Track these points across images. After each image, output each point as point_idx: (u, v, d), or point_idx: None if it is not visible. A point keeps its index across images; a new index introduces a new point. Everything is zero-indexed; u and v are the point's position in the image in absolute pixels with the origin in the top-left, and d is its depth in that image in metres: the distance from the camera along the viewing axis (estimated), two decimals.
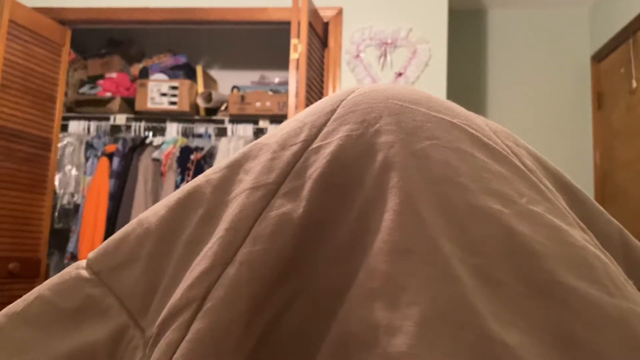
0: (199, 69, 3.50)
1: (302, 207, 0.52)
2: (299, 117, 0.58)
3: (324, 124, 0.56)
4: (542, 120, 3.31)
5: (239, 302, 0.50)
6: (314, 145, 0.54)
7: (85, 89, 3.49)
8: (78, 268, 0.62)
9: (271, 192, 0.53)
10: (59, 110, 2.89)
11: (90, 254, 0.60)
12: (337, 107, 0.57)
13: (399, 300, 0.45)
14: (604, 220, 0.58)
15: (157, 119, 3.45)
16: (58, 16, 2.91)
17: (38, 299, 0.60)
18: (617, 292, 0.47)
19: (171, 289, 0.53)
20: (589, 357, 0.44)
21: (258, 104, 3.29)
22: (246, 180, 0.55)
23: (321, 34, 2.80)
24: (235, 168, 0.57)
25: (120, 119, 3.44)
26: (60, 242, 3.31)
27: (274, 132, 0.57)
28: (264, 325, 0.51)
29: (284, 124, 0.59)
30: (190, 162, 3.19)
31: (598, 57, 3.21)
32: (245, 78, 3.62)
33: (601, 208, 0.57)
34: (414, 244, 0.48)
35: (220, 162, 0.59)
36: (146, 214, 0.59)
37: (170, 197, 0.58)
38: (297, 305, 0.51)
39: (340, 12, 2.84)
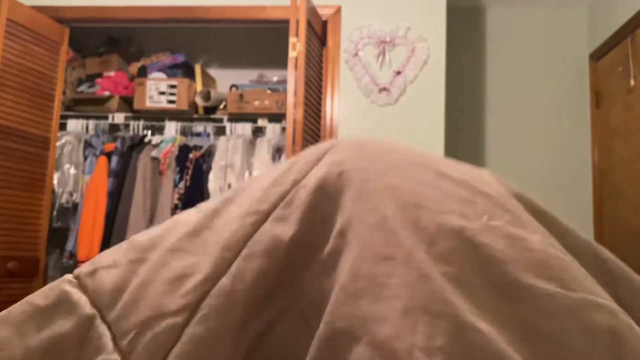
0: (197, 68, 3.50)
1: (292, 230, 0.61)
2: (287, 163, 0.69)
3: (310, 169, 0.66)
4: (540, 118, 3.32)
5: (234, 310, 0.56)
6: (301, 183, 0.64)
7: (83, 88, 3.49)
8: (67, 275, 0.68)
9: (263, 219, 0.62)
10: (57, 109, 2.89)
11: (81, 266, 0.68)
12: (323, 156, 0.68)
13: (382, 295, 0.52)
14: (574, 237, 0.67)
15: (156, 118, 3.45)
16: (56, 14, 2.91)
17: (23, 302, 0.66)
18: (576, 286, 0.55)
19: (146, 287, 0.60)
20: (548, 344, 0.51)
21: (257, 103, 3.29)
22: (237, 211, 0.64)
23: (320, 33, 2.80)
24: (227, 203, 0.67)
25: (119, 118, 3.44)
26: (59, 240, 3.31)
27: (264, 174, 0.68)
28: (256, 334, 0.58)
29: (273, 168, 0.71)
30: (189, 160, 3.19)
31: (596, 56, 3.21)
32: (244, 77, 3.62)
33: (570, 226, 0.68)
34: (392, 252, 0.56)
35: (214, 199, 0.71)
36: (139, 234, 0.68)
37: (165, 221, 0.68)
38: (287, 318, 0.59)
39: (338, 10, 2.84)
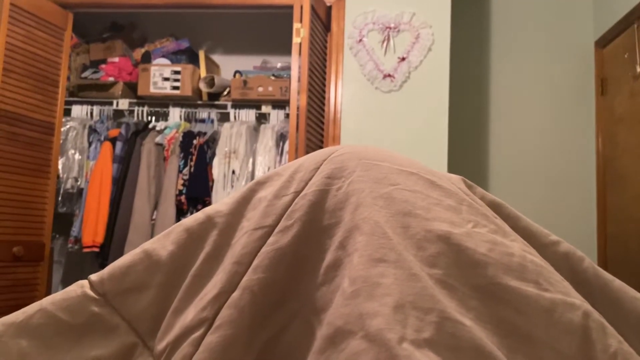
0: (201, 54, 3.49)
1: (294, 243, 0.65)
2: (289, 172, 0.73)
3: (310, 179, 0.71)
4: (545, 105, 3.30)
5: (243, 320, 0.61)
6: (302, 193, 0.69)
7: (87, 74, 3.49)
8: (83, 287, 0.69)
9: (268, 232, 0.66)
10: (61, 95, 2.90)
11: (93, 277, 0.69)
12: (320, 165, 0.72)
13: (375, 293, 0.57)
14: (549, 241, 0.72)
15: (160, 104, 3.45)
16: (60, 0, 2.90)
17: (40, 312, 0.67)
18: (551, 287, 0.59)
19: (178, 313, 0.65)
20: (521, 338, 0.56)
21: (260, 89, 3.29)
22: (247, 226, 0.68)
23: (324, 18, 2.79)
24: (237, 216, 0.71)
25: (123, 104, 3.45)
26: (63, 226, 3.34)
27: (269, 185, 0.73)
28: (264, 342, 0.62)
29: (277, 171, 0.75)
30: (193, 146, 3.19)
31: (602, 43, 3.19)
32: (248, 63, 3.61)
33: (545, 231, 0.74)
34: (384, 255, 0.60)
35: (221, 203, 0.74)
36: (152, 246, 0.70)
37: (176, 233, 0.71)
38: (294, 325, 0.63)
39: None
